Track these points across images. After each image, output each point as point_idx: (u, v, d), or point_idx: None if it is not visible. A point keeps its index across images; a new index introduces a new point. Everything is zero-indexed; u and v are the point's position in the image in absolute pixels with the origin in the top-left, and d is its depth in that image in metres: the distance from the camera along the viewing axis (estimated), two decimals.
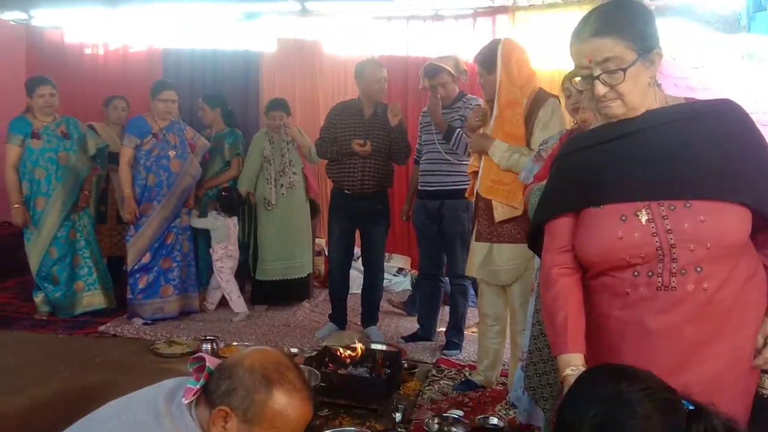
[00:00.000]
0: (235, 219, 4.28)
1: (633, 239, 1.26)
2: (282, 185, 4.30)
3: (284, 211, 4.35)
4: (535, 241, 1.56)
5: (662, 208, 1.26)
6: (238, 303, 4.23)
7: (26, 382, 2.91)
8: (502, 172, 2.77)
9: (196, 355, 1.20)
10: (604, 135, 1.36)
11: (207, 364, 1.17)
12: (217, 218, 4.21)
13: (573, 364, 1.29)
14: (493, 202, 2.81)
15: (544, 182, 1.91)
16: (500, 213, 2.79)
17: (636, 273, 1.28)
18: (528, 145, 2.74)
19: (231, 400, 1.11)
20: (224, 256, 4.23)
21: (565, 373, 1.29)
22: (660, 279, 1.25)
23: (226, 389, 1.12)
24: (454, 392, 3.01)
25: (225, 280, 4.23)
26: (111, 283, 4.27)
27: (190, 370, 1.18)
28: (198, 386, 1.15)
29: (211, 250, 4.25)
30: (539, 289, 2.10)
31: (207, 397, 1.15)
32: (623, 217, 1.28)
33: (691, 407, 0.99)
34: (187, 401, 1.14)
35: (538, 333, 2.14)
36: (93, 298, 4.12)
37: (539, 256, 1.57)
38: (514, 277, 2.83)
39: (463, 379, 3.14)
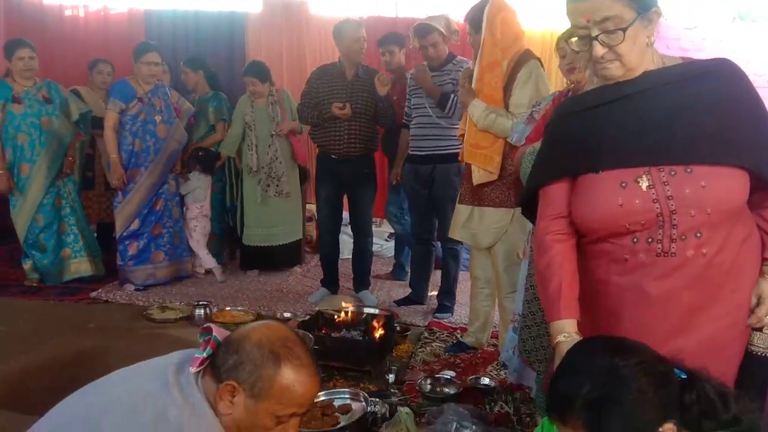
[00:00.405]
0: (210, 178, 4.30)
1: (633, 206, 1.25)
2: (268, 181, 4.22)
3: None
4: (528, 206, 1.55)
5: (663, 173, 1.25)
6: (207, 259, 4.29)
7: (18, 347, 2.89)
8: (480, 135, 2.76)
9: (204, 326, 1.19)
10: (601, 98, 1.34)
11: (214, 333, 1.16)
12: (200, 178, 4.22)
13: (566, 331, 1.29)
14: (472, 166, 2.82)
15: (537, 144, 1.90)
16: (477, 177, 2.81)
17: (635, 239, 1.27)
18: (507, 108, 2.72)
19: (238, 375, 1.10)
20: (200, 215, 4.26)
21: (557, 340, 1.29)
22: (660, 245, 1.25)
23: (233, 363, 1.11)
24: (446, 354, 3.06)
25: (196, 240, 4.25)
26: (99, 250, 4.24)
27: (200, 341, 1.17)
28: (205, 355, 1.14)
29: (185, 209, 4.23)
30: (532, 253, 2.13)
31: (214, 370, 1.14)
32: (623, 184, 1.26)
33: (683, 376, 1.00)
34: (194, 370, 1.13)
35: (531, 297, 2.16)
36: (80, 265, 4.09)
37: (532, 222, 1.56)
38: (493, 241, 2.85)
39: (454, 342, 3.19)
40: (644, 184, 1.26)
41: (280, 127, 4.19)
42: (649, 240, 1.26)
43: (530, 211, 1.53)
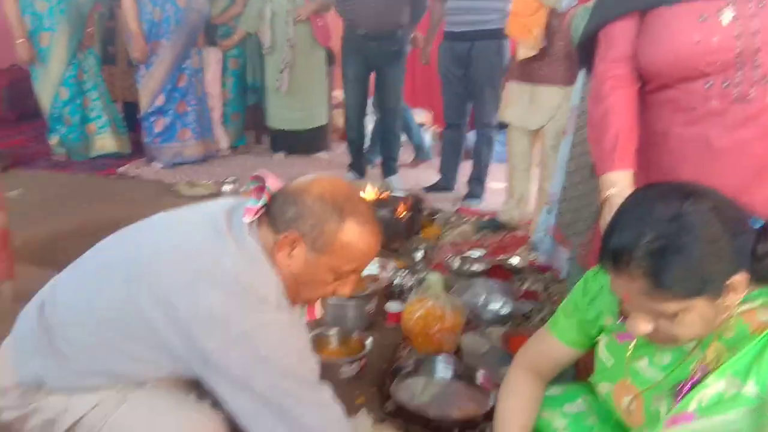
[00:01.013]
0: (212, 52, 4.13)
1: (711, 44, 1.10)
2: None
3: None
4: (584, 54, 1.39)
5: (751, 4, 1.08)
6: None
7: (48, 214, 2.94)
8: (521, 1, 2.57)
9: (256, 173, 1.09)
10: None
11: (267, 184, 1.06)
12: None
13: (619, 183, 1.17)
14: (518, 39, 2.64)
15: (590, 3, 1.71)
16: (519, 52, 2.63)
17: (709, 84, 1.13)
18: None
19: (299, 227, 1.02)
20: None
21: (607, 194, 1.17)
22: (737, 90, 1.11)
23: (293, 215, 1.03)
24: (479, 232, 3.04)
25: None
26: (125, 127, 4.20)
27: (250, 188, 1.08)
28: (260, 204, 1.05)
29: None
30: (577, 121, 1.99)
31: (270, 221, 1.05)
32: (702, 17, 1.10)
33: (758, 225, 0.88)
34: (248, 220, 1.04)
35: (573, 168, 2.05)
36: (105, 142, 4.07)
37: (589, 70, 1.42)
38: (544, 122, 2.70)
39: (488, 218, 3.15)
40: (727, 17, 1.09)
41: (299, 13, 3.94)
42: (725, 84, 1.12)
43: (587, 59, 1.37)
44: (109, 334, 1.04)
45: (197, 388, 1.10)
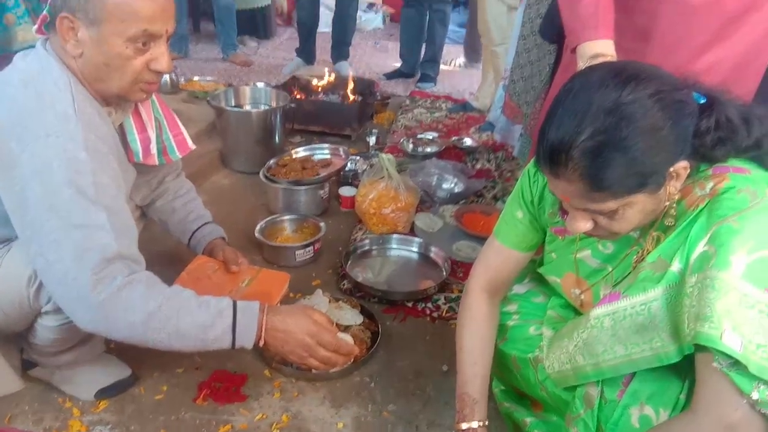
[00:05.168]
0: None
1: None
2: None
3: None
4: None
5: None
6: None
7: None
8: None
9: None
10: None
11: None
12: None
13: (601, 52, 1.07)
14: None
15: None
16: None
17: None
18: None
19: (68, 5, 1.00)
20: None
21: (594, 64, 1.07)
22: None
23: (59, 2, 1.01)
24: (450, 113, 3.03)
25: None
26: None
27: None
28: (44, 12, 1.04)
29: None
30: None
31: (51, 26, 1.04)
32: None
33: (702, 100, 0.82)
34: (37, 32, 1.05)
35: (528, 32, 1.97)
36: (26, 34, 3.69)
37: None
38: None
39: (461, 104, 3.11)
40: None
41: None
42: None
43: None
44: None
45: None
